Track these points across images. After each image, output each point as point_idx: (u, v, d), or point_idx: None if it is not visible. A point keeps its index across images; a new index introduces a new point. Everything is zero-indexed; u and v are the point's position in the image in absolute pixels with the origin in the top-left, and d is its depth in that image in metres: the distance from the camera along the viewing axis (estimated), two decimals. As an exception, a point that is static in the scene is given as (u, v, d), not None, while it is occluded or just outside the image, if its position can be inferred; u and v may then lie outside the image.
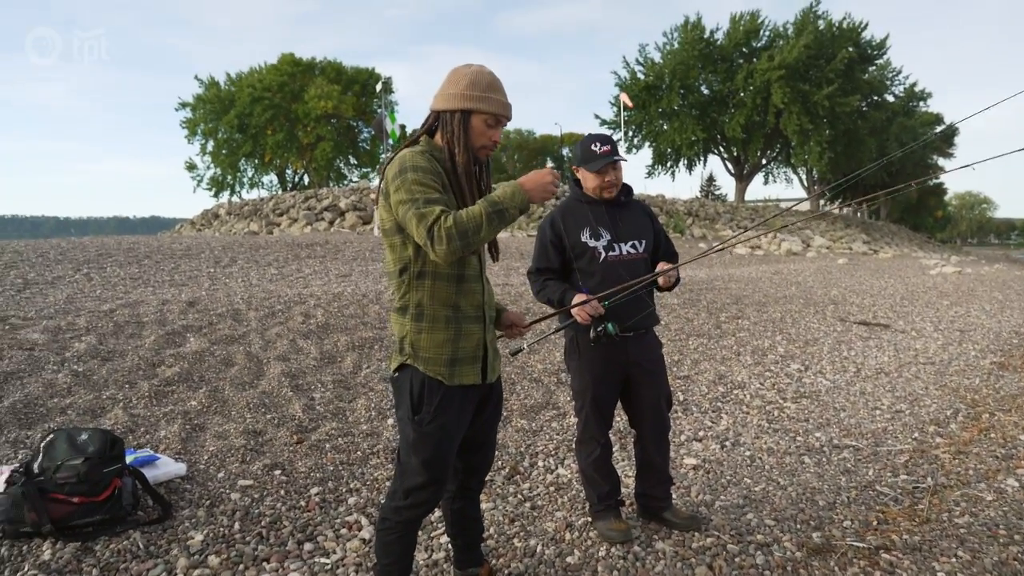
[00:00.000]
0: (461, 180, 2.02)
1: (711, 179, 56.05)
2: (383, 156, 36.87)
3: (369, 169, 47.15)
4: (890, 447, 4.18)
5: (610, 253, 2.88)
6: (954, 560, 2.72)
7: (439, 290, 2.03)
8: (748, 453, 4.07)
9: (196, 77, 45.76)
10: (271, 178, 47.46)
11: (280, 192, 38.33)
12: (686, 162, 40.84)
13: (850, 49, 35.53)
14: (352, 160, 47.47)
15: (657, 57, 38.82)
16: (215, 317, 6.27)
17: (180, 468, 3.39)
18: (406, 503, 2.07)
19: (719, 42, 37.64)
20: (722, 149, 41.54)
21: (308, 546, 2.85)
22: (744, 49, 37.70)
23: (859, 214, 45.62)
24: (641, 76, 38.60)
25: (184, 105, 44.21)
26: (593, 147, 2.86)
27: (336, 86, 42.52)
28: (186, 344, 5.47)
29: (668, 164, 40.56)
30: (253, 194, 46.10)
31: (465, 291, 2.07)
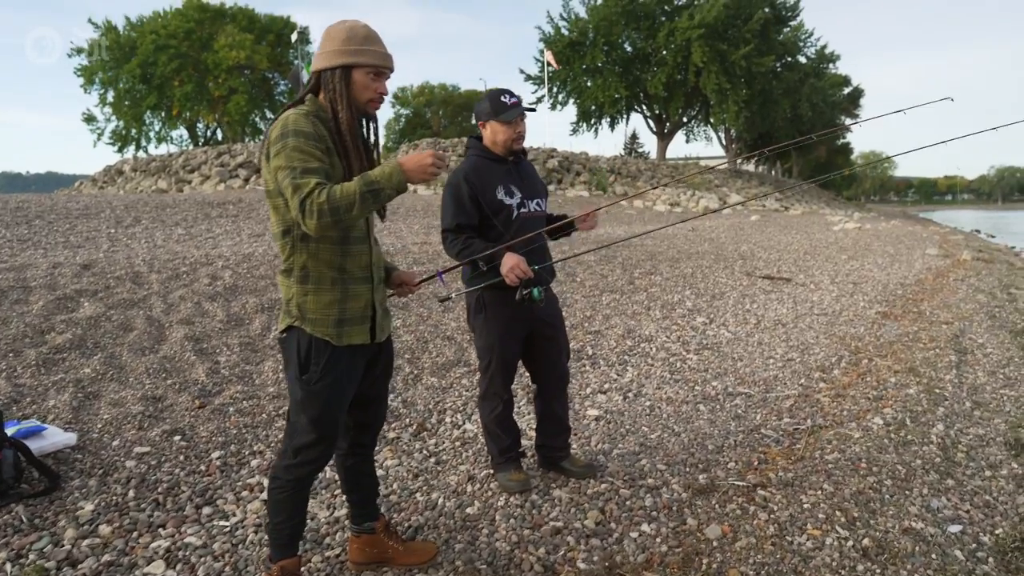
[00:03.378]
0: (346, 138, 2.00)
1: (634, 137, 56.76)
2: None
3: (287, 124, 45.16)
4: (778, 393, 4.47)
5: (522, 210, 2.91)
6: (819, 492, 2.98)
7: (324, 252, 2.02)
8: (648, 403, 4.27)
9: (91, 20, 42.05)
10: (181, 132, 44.88)
11: (191, 147, 36.31)
12: (609, 120, 41.22)
13: (766, 10, 36.44)
14: (268, 114, 45.24)
15: (582, 12, 38.72)
16: (112, 280, 5.97)
17: (70, 438, 3.26)
18: (295, 461, 2.08)
19: (642, -1, 37.77)
20: (644, 107, 42.09)
21: (207, 510, 2.83)
22: (666, 7, 38.00)
23: (773, 172, 47.43)
24: (566, 32, 38.42)
25: (78, 51, 40.89)
26: (503, 99, 2.84)
27: (248, 35, 40.24)
28: (79, 309, 5.20)
29: (592, 121, 40.83)
30: (161, 149, 43.53)
31: (351, 253, 2.07)
